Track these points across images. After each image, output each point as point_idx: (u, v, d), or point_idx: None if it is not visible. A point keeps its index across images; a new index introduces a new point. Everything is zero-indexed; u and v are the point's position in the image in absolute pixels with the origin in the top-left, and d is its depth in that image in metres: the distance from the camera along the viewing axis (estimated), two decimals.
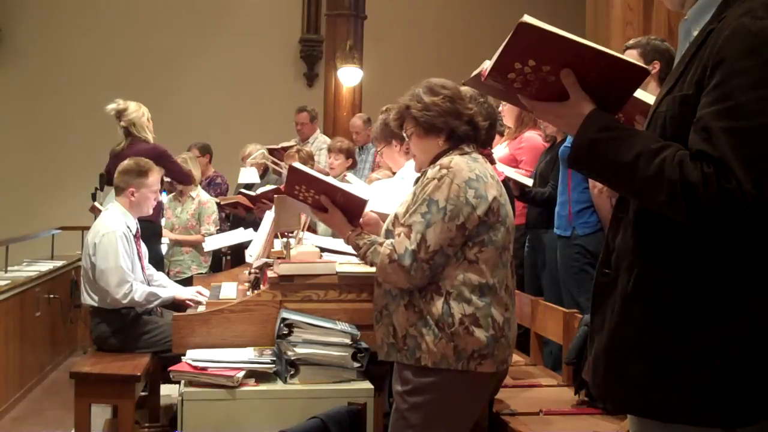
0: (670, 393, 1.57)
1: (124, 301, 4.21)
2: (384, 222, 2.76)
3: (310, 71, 11.34)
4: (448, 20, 11.38)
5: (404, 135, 2.77)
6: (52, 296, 6.48)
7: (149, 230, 5.10)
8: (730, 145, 1.47)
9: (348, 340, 3.08)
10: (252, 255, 4.18)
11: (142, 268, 4.46)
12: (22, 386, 5.81)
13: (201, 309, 3.86)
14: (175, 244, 6.06)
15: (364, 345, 3.06)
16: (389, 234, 2.63)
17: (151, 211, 4.67)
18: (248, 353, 3.16)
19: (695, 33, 1.65)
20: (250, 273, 4.07)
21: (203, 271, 6.02)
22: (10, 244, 6.48)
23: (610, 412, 3.14)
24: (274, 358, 3.12)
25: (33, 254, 7.44)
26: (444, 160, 2.58)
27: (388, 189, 3.64)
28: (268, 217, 4.29)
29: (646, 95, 1.92)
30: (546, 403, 3.33)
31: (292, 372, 3.05)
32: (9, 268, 6.30)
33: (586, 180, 4.15)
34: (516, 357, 4.29)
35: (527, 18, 1.61)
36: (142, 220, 4.62)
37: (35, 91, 10.59)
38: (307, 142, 7.79)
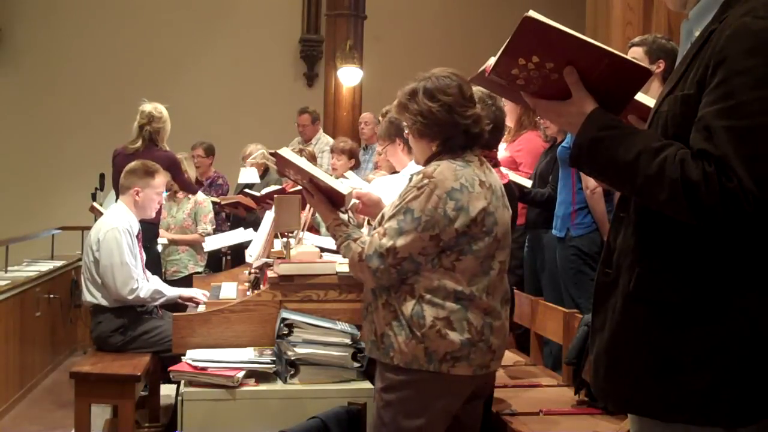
0: (671, 392, 1.57)
1: (130, 297, 4.22)
2: None
3: (310, 71, 11.34)
4: (449, 20, 11.37)
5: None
6: (52, 296, 6.48)
7: (150, 232, 5.12)
8: (732, 144, 1.47)
9: (348, 340, 3.08)
10: (252, 255, 4.18)
11: (143, 268, 4.47)
12: (22, 386, 5.80)
13: (201, 309, 3.86)
14: (171, 243, 6.05)
15: (364, 345, 3.06)
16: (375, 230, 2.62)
17: (153, 214, 4.70)
18: (248, 353, 3.16)
19: (697, 33, 1.65)
20: (250, 273, 4.07)
21: (200, 270, 6.02)
22: (10, 244, 6.48)
23: (610, 412, 3.14)
24: (274, 358, 3.12)
25: (33, 254, 7.44)
26: (429, 168, 2.53)
27: (391, 185, 3.64)
28: (268, 217, 4.29)
29: (645, 98, 1.92)
30: (546, 403, 3.33)
31: (292, 372, 3.05)
32: (9, 268, 6.30)
33: (579, 181, 4.16)
34: (516, 357, 4.29)
35: (532, 13, 1.60)
36: (142, 222, 4.62)
37: (35, 91, 10.58)
38: (310, 143, 7.79)
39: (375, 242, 2.49)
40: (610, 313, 1.67)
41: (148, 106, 5.45)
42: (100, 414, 4.61)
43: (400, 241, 2.45)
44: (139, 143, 5.39)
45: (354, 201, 2.89)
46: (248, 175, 6.72)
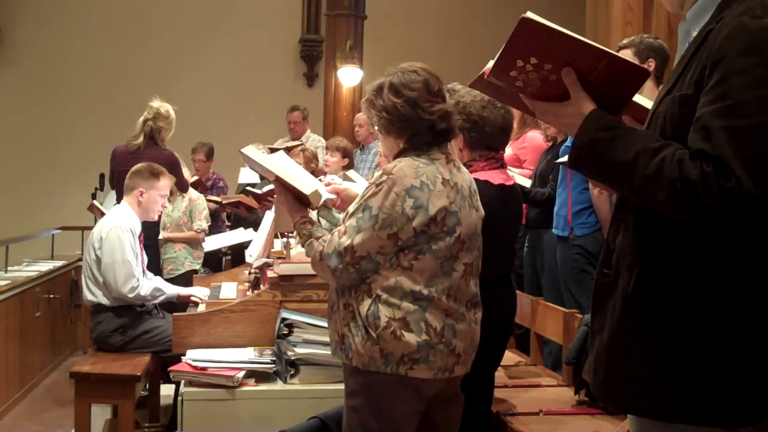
0: (671, 393, 1.57)
1: (131, 296, 4.23)
2: None
3: (310, 71, 11.34)
4: (448, 20, 11.37)
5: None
6: (52, 296, 6.48)
7: (150, 230, 5.12)
8: (730, 143, 1.47)
9: None
10: (252, 255, 4.18)
11: (143, 271, 4.47)
12: (22, 386, 5.81)
13: (201, 309, 3.86)
14: (167, 241, 6.06)
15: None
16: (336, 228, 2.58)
17: (156, 217, 4.72)
18: (248, 353, 3.17)
19: (695, 33, 1.65)
20: (250, 273, 4.08)
21: (197, 267, 6.02)
22: (10, 244, 6.48)
23: (610, 412, 3.14)
24: (274, 358, 3.12)
25: (33, 254, 7.44)
26: (389, 165, 2.47)
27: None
28: (268, 216, 4.29)
29: (642, 99, 1.92)
30: (546, 403, 3.33)
31: (292, 372, 3.05)
32: (9, 268, 6.30)
33: (585, 180, 4.15)
34: (516, 357, 4.29)
35: (529, 14, 1.60)
36: (143, 222, 4.63)
37: (35, 91, 10.59)
38: (301, 141, 7.79)
39: (334, 241, 2.43)
40: (609, 314, 1.67)
41: (157, 103, 5.46)
42: (100, 414, 4.62)
43: (358, 239, 2.39)
44: (140, 140, 5.40)
45: (330, 196, 2.85)
46: (248, 174, 6.72)
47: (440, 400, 2.55)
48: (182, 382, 3.08)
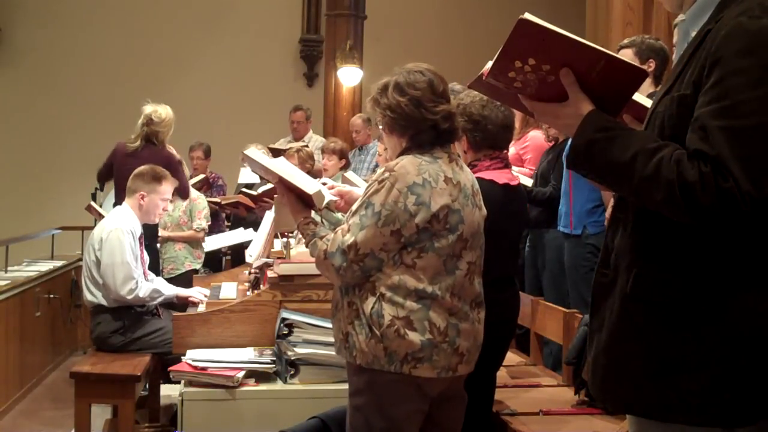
0: (669, 393, 1.57)
1: (129, 297, 4.23)
2: None
3: (310, 71, 11.34)
4: (448, 20, 11.37)
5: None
6: (52, 296, 6.49)
7: (149, 231, 5.12)
8: (728, 143, 1.47)
9: None
10: (252, 255, 4.18)
11: (144, 273, 4.48)
12: (22, 386, 5.81)
13: (201, 309, 3.86)
14: (167, 240, 6.06)
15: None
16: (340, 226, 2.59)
17: (157, 220, 4.73)
18: (248, 353, 3.17)
19: (693, 34, 1.65)
20: (250, 273, 4.08)
21: (197, 267, 6.02)
22: (10, 244, 6.49)
23: (610, 412, 3.14)
24: (274, 358, 3.13)
25: (33, 254, 7.44)
26: (392, 162, 2.49)
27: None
28: (268, 216, 4.29)
29: (642, 98, 1.93)
30: (546, 403, 3.33)
31: (292, 372, 3.06)
32: (9, 268, 6.30)
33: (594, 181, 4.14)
34: (516, 357, 4.29)
35: (527, 15, 1.61)
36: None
37: (35, 91, 10.58)
38: (302, 141, 7.80)
39: (338, 239, 2.44)
40: (607, 313, 1.67)
41: (148, 108, 5.46)
42: (100, 414, 4.61)
43: (361, 236, 2.40)
44: (138, 143, 5.41)
45: (333, 198, 2.87)
46: (248, 175, 6.72)
47: (444, 399, 2.55)
48: (182, 382, 3.08)
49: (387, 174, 2.44)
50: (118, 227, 4.29)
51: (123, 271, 4.22)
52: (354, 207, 2.50)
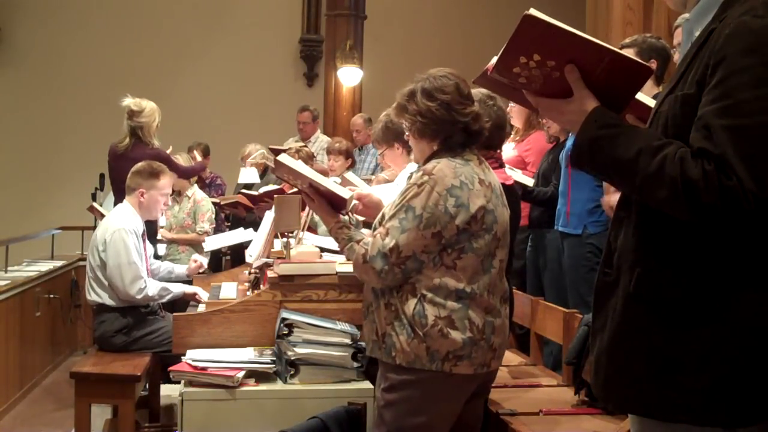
0: (672, 393, 1.57)
1: (139, 297, 4.24)
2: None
3: (310, 71, 11.34)
4: (449, 20, 11.37)
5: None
6: (52, 296, 6.48)
7: (148, 230, 5.11)
8: (731, 142, 1.47)
9: (348, 340, 3.08)
10: (252, 255, 4.18)
11: (147, 267, 4.48)
12: (22, 386, 5.81)
13: (201, 309, 3.86)
14: (171, 242, 6.06)
15: (364, 345, 3.06)
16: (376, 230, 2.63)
17: (158, 216, 4.73)
18: (248, 353, 3.16)
19: (697, 33, 1.65)
20: (250, 273, 4.07)
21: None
22: (10, 244, 6.48)
23: (610, 412, 3.14)
24: (274, 358, 3.12)
25: (33, 254, 7.44)
26: (428, 165, 2.54)
27: (386, 193, 3.64)
28: (268, 217, 4.29)
29: (645, 97, 1.92)
30: (546, 403, 3.33)
31: (292, 372, 3.05)
32: (9, 268, 6.30)
33: (597, 178, 4.14)
34: (516, 357, 4.29)
35: (533, 11, 1.61)
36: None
37: (35, 91, 10.58)
38: (309, 141, 7.80)
39: (378, 243, 2.50)
40: (610, 313, 1.67)
41: (127, 100, 5.42)
42: (100, 414, 4.61)
43: (403, 239, 2.46)
44: (126, 141, 5.39)
45: (354, 202, 2.90)
46: (248, 175, 6.72)
47: (474, 395, 2.64)
48: (182, 382, 3.07)
49: (426, 177, 2.50)
50: (120, 227, 4.29)
51: (130, 272, 4.23)
52: (390, 211, 2.55)
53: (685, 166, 1.50)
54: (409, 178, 2.63)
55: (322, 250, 3.59)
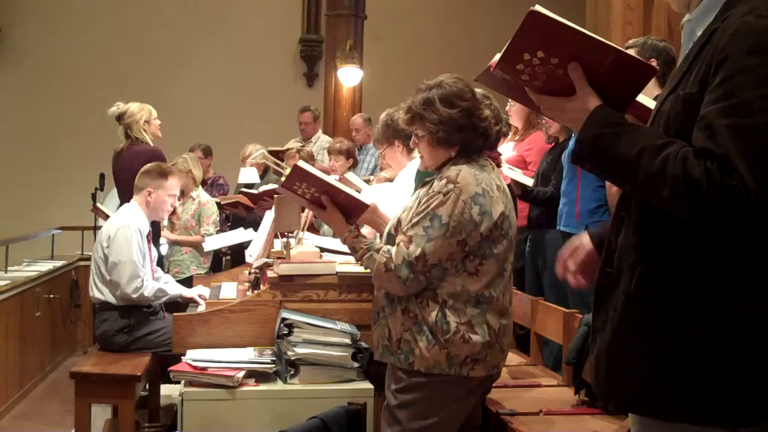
0: (673, 392, 1.56)
1: (134, 296, 4.24)
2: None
3: (310, 71, 11.34)
4: (449, 20, 11.37)
5: (412, 133, 2.69)
6: (52, 296, 6.49)
7: (153, 230, 5.12)
8: (734, 142, 1.47)
9: (348, 340, 3.08)
10: (252, 255, 4.18)
11: (152, 270, 4.48)
12: (22, 386, 5.81)
13: (201, 309, 3.86)
14: (174, 244, 6.06)
15: (364, 345, 3.06)
16: (390, 238, 2.63)
17: (165, 217, 4.72)
18: (248, 353, 3.16)
19: (699, 33, 1.65)
20: (250, 273, 4.07)
21: (202, 272, 6.02)
22: (10, 244, 6.48)
23: (610, 412, 3.14)
24: (274, 358, 3.12)
25: (33, 254, 7.44)
26: (451, 173, 2.53)
27: (384, 194, 3.64)
28: (268, 217, 4.29)
29: (646, 99, 1.92)
30: (546, 403, 3.33)
31: (292, 372, 3.05)
32: (9, 268, 6.30)
33: (599, 178, 4.13)
34: (516, 357, 4.29)
35: (538, 7, 1.60)
36: None
37: (35, 91, 10.58)
38: (310, 141, 7.81)
39: (402, 251, 2.49)
40: (611, 312, 1.67)
41: (112, 109, 5.39)
42: (100, 414, 4.61)
43: (429, 248, 2.47)
44: (123, 143, 5.40)
45: None
46: (248, 175, 6.72)
47: (479, 395, 2.71)
48: (182, 382, 3.07)
49: (451, 186, 2.50)
50: (126, 225, 4.31)
51: (129, 270, 4.23)
52: (413, 218, 2.54)
53: (688, 166, 1.50)
54: (417, 180, 2.63)
55: (322, 250, 3.59)
